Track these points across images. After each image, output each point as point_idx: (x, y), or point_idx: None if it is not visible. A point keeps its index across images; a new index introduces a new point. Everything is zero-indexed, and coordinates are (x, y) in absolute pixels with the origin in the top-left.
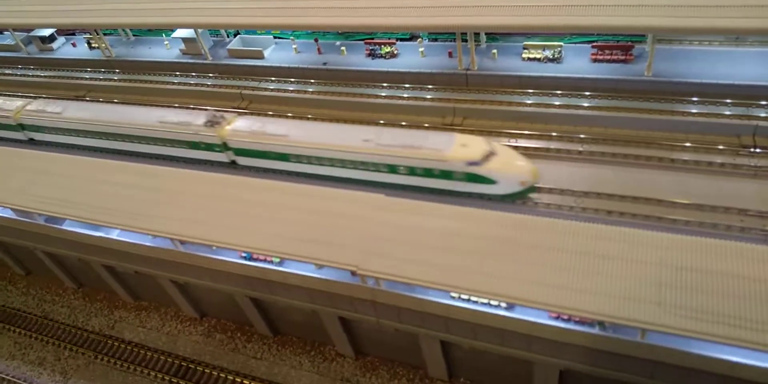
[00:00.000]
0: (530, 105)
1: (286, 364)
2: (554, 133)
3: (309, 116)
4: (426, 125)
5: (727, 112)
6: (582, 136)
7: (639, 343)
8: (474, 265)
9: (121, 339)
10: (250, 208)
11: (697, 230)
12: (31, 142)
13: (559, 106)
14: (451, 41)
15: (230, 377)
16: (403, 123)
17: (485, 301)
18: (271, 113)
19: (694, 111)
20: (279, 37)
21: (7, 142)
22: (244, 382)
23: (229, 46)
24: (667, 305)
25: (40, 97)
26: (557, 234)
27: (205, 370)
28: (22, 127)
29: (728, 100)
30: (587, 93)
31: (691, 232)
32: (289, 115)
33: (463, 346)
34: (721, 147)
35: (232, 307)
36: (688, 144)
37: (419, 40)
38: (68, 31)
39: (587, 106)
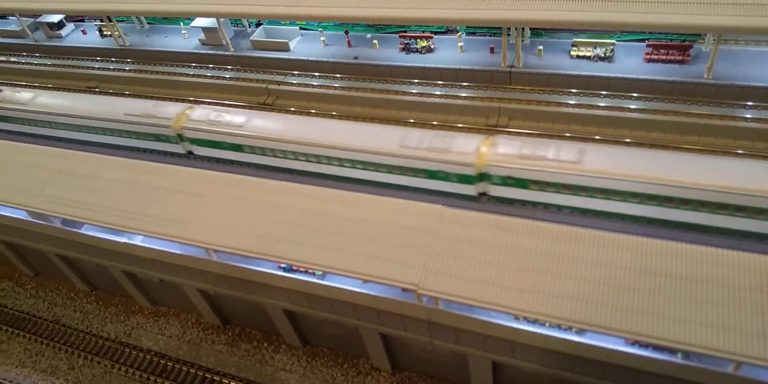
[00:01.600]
0: (581, 106)
1: (318, 378)
2: (605, 137)
3: (334, 113)
4: (459, 126)
5: None
6: (636, 140)
7: (725, 375)
8: (543, 286)
9: (140, 347)
10: (289, 215)
11: None
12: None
13: (612, 109)
14: (491, 35)
15: None
16: (434, 122)
17: (555, 325)
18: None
19: (759, 117)
20: (305, 29)
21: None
22: None
23: (252, 37)
24: None
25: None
26: (640, 254)
27: (231, 383)
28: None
29: None
30: (641, 95)
31: None
32: (313, 111)
33: (522, 369)
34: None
35: (259, 315)
36: (753, 152)
37: (458, 34)
38: (78, 18)
39: (642, 109)
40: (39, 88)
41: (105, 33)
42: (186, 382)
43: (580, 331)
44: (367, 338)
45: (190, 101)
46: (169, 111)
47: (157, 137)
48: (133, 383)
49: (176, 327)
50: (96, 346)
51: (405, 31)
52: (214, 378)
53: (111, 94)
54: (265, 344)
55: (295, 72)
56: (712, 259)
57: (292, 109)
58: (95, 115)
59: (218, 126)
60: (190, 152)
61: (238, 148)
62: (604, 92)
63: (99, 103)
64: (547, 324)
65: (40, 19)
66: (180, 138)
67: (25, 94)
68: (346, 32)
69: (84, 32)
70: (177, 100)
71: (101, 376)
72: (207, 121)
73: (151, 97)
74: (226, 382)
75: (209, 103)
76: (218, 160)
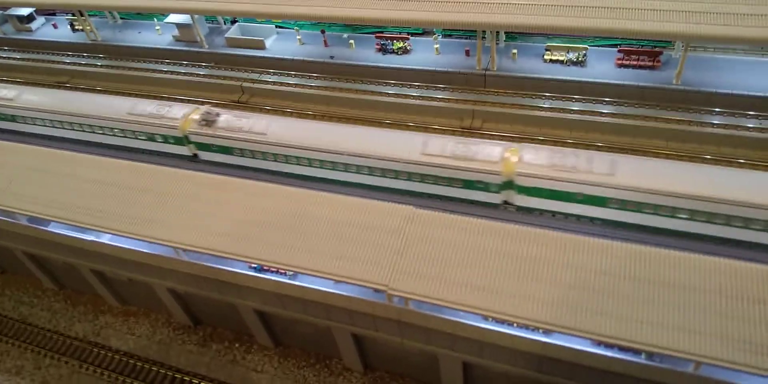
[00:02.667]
0: (553, 110)
1: (289, 378)
2: (577, 141)
3: (309, 112)
4: (436, 127)
5: (759, 125)
6: (606, 144)
7: (685, 374)
8: (511, 287)
9: (108, 347)
10: (260, 215)
11: None
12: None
13: (584, 113)
14: (467, 38)
15: None
16: (410, 124)
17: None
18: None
19: (725, 123)
20: (281, 27)
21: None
22: None
23: (227, 35)
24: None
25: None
26: (602, 256)
27: (201, 383)
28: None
29: (759, 113)
30: (612, 99)
31: None
32: (288, 110)
33: (491, 369)
34: (752, 162)
35: (231, 315)
36: (719, 157)
37: (434, 36)
38: (49, 11)
39: (613, 114)
40: (9, 83)
41: (77, 27)
42: (156, 383)
43: (548, 332)
44: (339, 338)
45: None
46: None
47: (165, 139)
48: (102, 383)
49: (146, 327)
50: (63, 345)
51: (382, 32)
52: (184, 378)
53: (85, 90)
54: (237, 345)
55: (271, 70)
56: (675, 263)
57: (267, 107)
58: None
59: (235, 132)
60: (195, 155)
61: (255, 154)
62: (576, 96)
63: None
64: (515, 325)
65: (9, 12)
66: (186, 140)
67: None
68: (323, 31)
69: (55, 26)
70: (150, 96)
71: (68, 376)
72: (227, 127)
73: (125, 94)
74: (196, 382)
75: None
76: (229, 166)
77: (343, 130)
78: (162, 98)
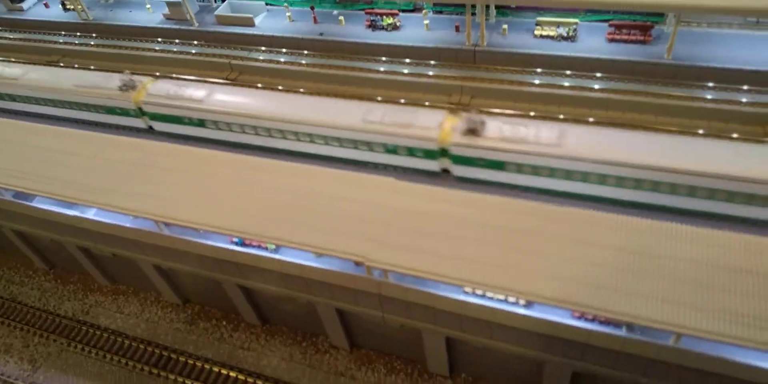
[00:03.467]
0: (543, 85)
1: (276, 356)
2: (568, 116)
3: (301, 90)
4: (426, 103)
5: (752, 100)
6: (596, 119)
7: (669, 347)
8: (491, 257)
9: (97, 325)
10: (242, 188)
11: None
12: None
13: (574, 88)
14: (457, 14)
15: (215, 369)
16: (402, 101)
17: (503, 297)
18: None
19: (716, 97)
20: (271, 4)
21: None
22: (231, 374)
23: (217, 12)
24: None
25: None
26: (583, 225)
27: (188, 361)
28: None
29: (752, 87)
30: (602, 74)
31: None
32: (280, 88)
33: (472, 344)
34: (744, 136)
35: (218, 293)
36: (709, 132)
37: (424, 12)
38: None
39: (603, 89)
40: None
41: (68, 7)
42: (143, 360)
43: (528, 305)
44: (323, 315)
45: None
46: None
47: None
48: (90, 361)
49: (135, 305)
50: (52, 324)
51: (372, 8)
52: (172, 356)
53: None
54: (224, 322)
55: (261, 48)
56: (657, 232)
57: (258, 85)
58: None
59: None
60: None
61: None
62: (567, 72)
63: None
64: (493, 297)
65: None
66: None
67: None
68: (312, 8)
69: (46, 5)
70: (141, 74)
71: (57, 354)
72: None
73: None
74: (183, 360)
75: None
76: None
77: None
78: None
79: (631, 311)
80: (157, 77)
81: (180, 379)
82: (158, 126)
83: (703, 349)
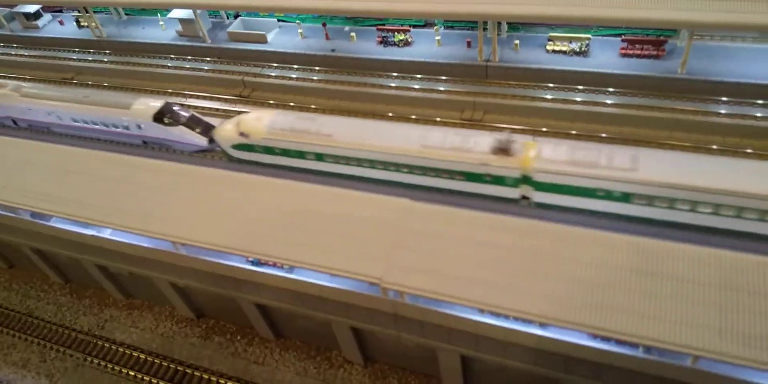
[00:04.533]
0: (556, 101)
1: (290, 371)
2: (580, 132)
3: (312, 106)
4: (438, 119)
5: (766, 115)
6: (609, 135)
7: (683, 368)
8: (507, 280)
9: (112, 340)
10: (256, 209)
11: None
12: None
13: (587, 103)
14: (468, 29)
15: (230, 383)
16: (414, 116)
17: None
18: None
19: (731, 112)
20: (283, 21)
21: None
22: None
23: (229, 29)
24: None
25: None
26: (603, 249)
27: (203, 376)
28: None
29: (766, 101)
30: (615, 89)
31: None
32: (292, 104)
33: (487, 361)
34: (758, 152)
35: (233, 308)
36: (725, 148)
37: (435, 27)
38: (55, 8)
39: (616, 104)
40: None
41: (82, 24)
42: (158, 375)
43: (543, 325)
44: (338, 331)
45: (168, 93)
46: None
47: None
48: (106, 376)
49: (150, 320)
50: (69, 338)
51: (383, 24)
52: (187, 371)
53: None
54: (239, 337)
55: (273, 64)
56: (674, 255)
57: (271, 101)
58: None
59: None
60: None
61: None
62: (579, 87)
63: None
64: (510, 318)
65: (16, 9)
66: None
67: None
68: (324, 25)
69: (61, 23)
70: (154, 92)
71: (73, 369)
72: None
73: (130, 90)
74: (198, 374)
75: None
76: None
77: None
78: (167, 94)
79: (647, 334)
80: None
81: None
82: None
83: (721, 371)
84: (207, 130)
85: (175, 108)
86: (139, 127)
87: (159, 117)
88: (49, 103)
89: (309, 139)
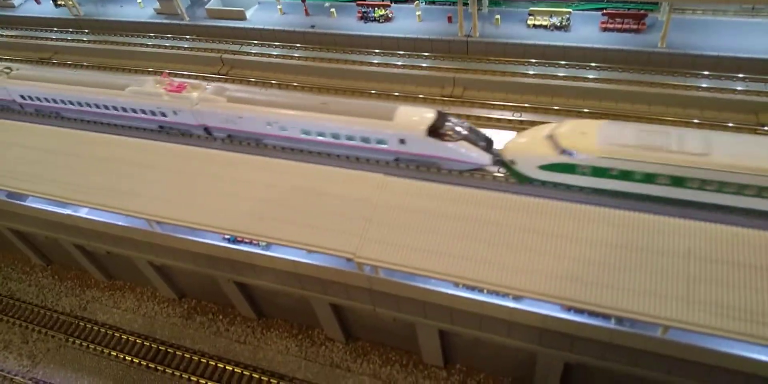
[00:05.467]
0: (536, 76)
1: (272, 349)
2: (560, 107)
3: (294, 84)
4: (421, 96)
5: (746, 88)
6: (590, 110)
7: (654, 338)
8: (481, 253)
9: (94, 321)
10: (232, 185)
11: None
12: None
13: (567, 78)
14: (450, 4)
15: (212, 362)
16: (397, 93)
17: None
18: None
19: (710, 86)
20: None
21: None
22: (227, 367)
23: (207, 6)
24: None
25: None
26: (574, 221)
27: (185, 355)
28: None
29: (746, 75)
30: (595, 64)
31: None
32: (273, 82)
33: (464, 335)
34: (738, 125)
35: (214, 288)
36: (703, 121)
37: (416, 2)
38: None
39: (596, 79)
40: None
41: (59, 3)
42: (140, 355)
43: (517, 298)
44: (318, 309)
45: (149, 72)
46: None
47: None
48: (88, 356)
49: (132, 300)
50: (51, 320)
51: (363, 0)
52: (168, 350)
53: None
54: (221, 317)
55: (252, 41)
56: (648, 226)
57: (251, 79)
58: None
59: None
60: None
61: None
62: (561, 62)
63: None
64: (485, 291)
65: None
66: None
67: None
68: (303, 0)
69: (38, 2)
70: (133, 71)
71: (56, 350)
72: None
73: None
74: (180, 354)
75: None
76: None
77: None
78: (146, 72)
79: (617, 304)
80: None
81: (177, 373)
82: None
83: (690, 341)
84: (489, 144)
85: (450, 118)
86: (402, 141)
87: (434, 130)
88: (273, 111)
89: (668, 159)
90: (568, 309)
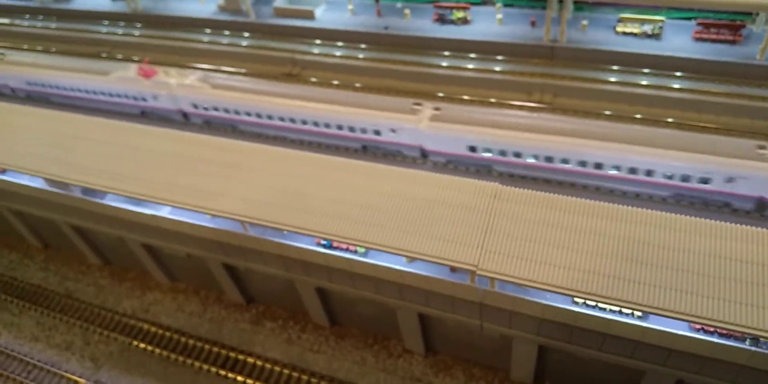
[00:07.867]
0: (632, 85)
1: (348, 360)
2: (646, 117)
3: (357, 85)
4: (503, 101)
5: None
6: (679, 121)
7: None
8: (606, 268)
9: (159, 324)
10: (339, 192)
11: None
12: None
13: (660, 88)
14: (530, 8)
15: (286, 371)
16: (465, 97)
17: (615, 308)
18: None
19: None
20: None
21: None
22: (302, 377)
23: (275, 4)
24: None
25: None
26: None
27: (257, 362)
28: None
29: None
30: (686, 74)
31: None
32: (335, 82)
33: (567, 353)
34: None
35: (287, 293)
36: None
37: (497, 6)
38: None
39: (694, 90)
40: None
41: None
42: (209, 361)
43: (644, 315)
44: (403, 319)
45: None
46: None
47: None
48: (153, 361)
49: (196, 304)
50: (112, 321)
51: (440, 1)
52: (239, 357)
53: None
54: (291, 323)
55: (320, 42)
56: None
57: (313, 79)
58: None
59: None
60: None
61: None
62: (649, 70)
63: None
64: (608, 309)
65: None
66: None
67: None
68: (376, 0)
69: None
70: (190, 68)
71: (119, 353)
72: None
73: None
74: (252, 361)
75: None
76: None
77: None
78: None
79: None
80: None
81: (249, 381)
82: None
83: None
84: None
85: None
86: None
87: None
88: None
89: None
90: (699, 328)
